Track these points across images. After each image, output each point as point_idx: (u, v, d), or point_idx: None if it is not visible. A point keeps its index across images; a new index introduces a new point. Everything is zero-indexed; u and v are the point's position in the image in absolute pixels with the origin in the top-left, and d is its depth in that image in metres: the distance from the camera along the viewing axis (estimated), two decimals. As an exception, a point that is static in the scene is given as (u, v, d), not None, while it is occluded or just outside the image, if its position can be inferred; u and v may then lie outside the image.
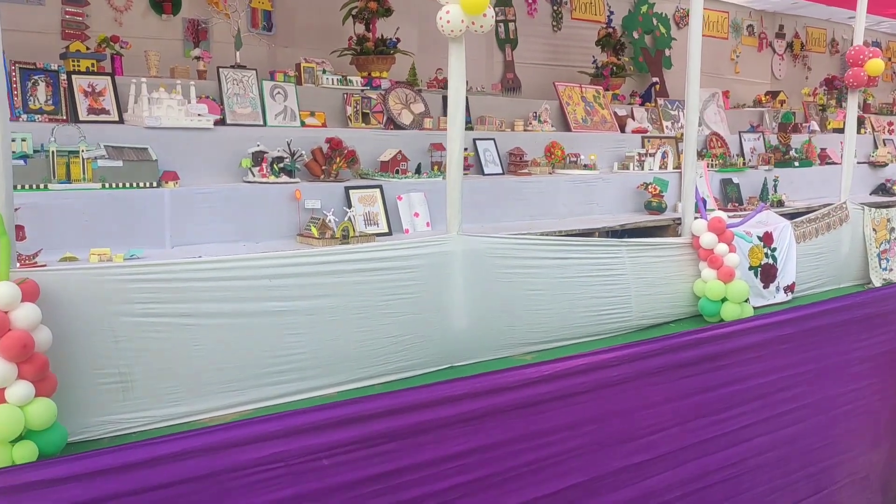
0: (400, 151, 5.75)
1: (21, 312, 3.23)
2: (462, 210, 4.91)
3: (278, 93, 5.76)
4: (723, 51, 10.61)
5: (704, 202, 7.15)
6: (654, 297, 5.97)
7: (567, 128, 7.58)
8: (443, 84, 7.11)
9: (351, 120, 6.08)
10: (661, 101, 8.63)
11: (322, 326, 4.32)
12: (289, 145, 5.21)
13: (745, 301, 6.22)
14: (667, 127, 8.47)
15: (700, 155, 8.08)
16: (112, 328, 3.67)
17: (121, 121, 4.98)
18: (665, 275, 6.06)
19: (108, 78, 5.01)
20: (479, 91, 7.36)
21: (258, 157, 5.04)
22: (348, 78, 6.24)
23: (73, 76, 4.87)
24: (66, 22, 5.43)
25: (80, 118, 4.81)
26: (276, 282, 4.17)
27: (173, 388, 3.86)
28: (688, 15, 9.94)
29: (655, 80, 9.03)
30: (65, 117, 4.75)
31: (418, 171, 5.87)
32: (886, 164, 9.72)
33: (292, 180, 5.13)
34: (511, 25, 8.26)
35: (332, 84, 6.15)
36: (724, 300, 6.13)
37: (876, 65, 7.31)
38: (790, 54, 11.56)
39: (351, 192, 5.21)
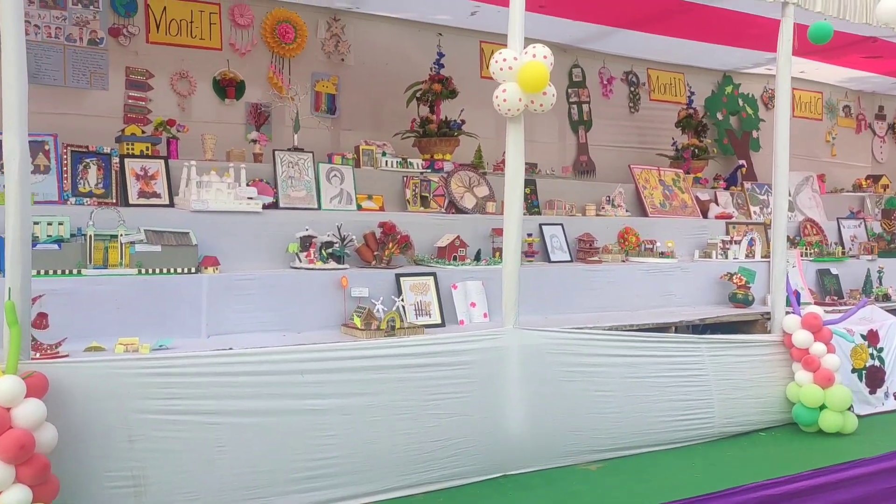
0: (458, 237, 5.43)
1: (23, 409, 2.99)
2: (519, 301, 4.51)
3: (335, 175, 5.58)
4: (817, 132, 9.98)
5: (798, 295, 6.50)
6: (739, 401, 5.33)
7: (643, 213, 7.12)
8: (510, 167, 6.81)
9: (409, 203, 5.83)
10: (747, 185, 8.08)
11: (360, 427, 3.94)
12: (339, 229, 4.97)
13: (849, 409, 5.48)
14: (755, 212, 7.88)
15: (793, 243, 7.45)
16: (127, 426, 3.39)
17: (171, 204, 4.87)
18: (752, 376, 5.43)
19: (162, 161, 4.93)
20: (548, 174, 7.03)
21: (306, 242, 4.81)
22: (408, 160, 6.03)
23: (126, 159, 4.81)
24: (129, 106, 5.46)
25: (131, 201, 4.73)
26: (310, 377, 3.84)
27: (192, 495, 3.52)
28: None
29: (742, 162, 8.49)
30: (114, 200, 4.67)
31: (478, 257, 5.52)
32: None
33: (341, 267, 4.87)
34: (585, 107, 7.97)
35: (392, 166, 5.95)
36: (822, 408, 5.42)
37: None
38: (892, 136, 10.79)
39: (402, 279, 4.89)
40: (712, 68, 8.86)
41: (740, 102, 9.16)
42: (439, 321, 4.93)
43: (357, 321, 4.41)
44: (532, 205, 6.51)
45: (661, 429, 4.96)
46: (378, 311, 4.64)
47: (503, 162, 6.75)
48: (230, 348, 3.84)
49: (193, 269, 4.30)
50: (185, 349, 3.94)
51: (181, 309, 4.24)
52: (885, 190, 9.57)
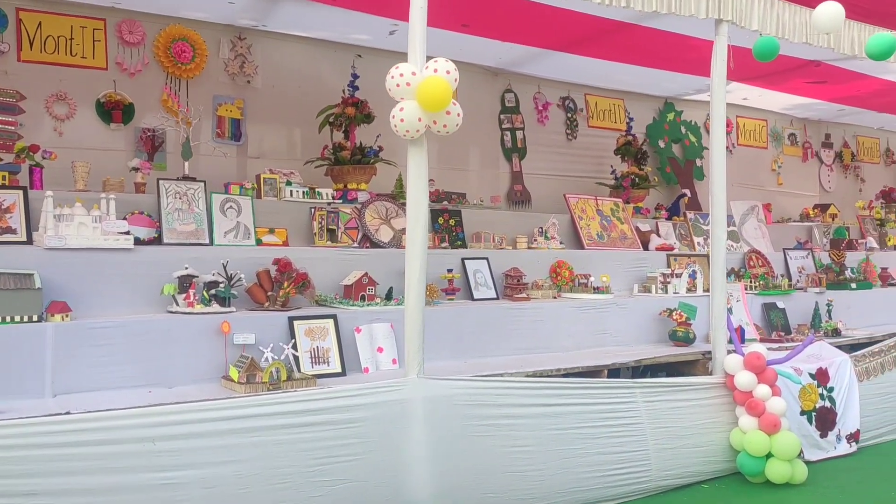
0: (366, 273, 4.88)
1: None
2: (423, 346, 3.97)
3: (230, 207, 5.02)
4: (762, 161, 9.71)
5: (742, 331, 6.07)
6: (679, 450, 4.84)
7: (580, 245, 6.65)
8: (434, 197, 6.33)
9: (317, 237, 5.27)
10: (690, 215, 7.69)
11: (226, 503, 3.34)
12: (224, 267, 4.39)
13: (798, 456, 5.01)
14: (698, 244, 7.48)
15: (737, 275, 7.04)
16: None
17: (30, 241, 4.25)
18: (692, 423, 4.95)
19: (20, 192, 4.32)
20: (476, 204, 6.54)
21: (185, 283, 4.23)
22: (317, 190, 5.49)
23: (-23, 190, 4.20)
24: (-4, 132, 4.84)
25: (-19, 238, 4.10)
26: (164, 444, 3.23)
27: None
28: (720, 123, 9.17)
29: (685, 191, 8.12)
30: (-41, 237, 4.04)
31: (389, 296, 4.97)
32: (963, 284, 8.46)
33: (226, 310, 4.28)
34: (519, 134, 7.53)
35: (298, 197, 5.40)
36: (769, 456, 4.94)
37: (939, 171, 6.28)
38: (840, 165, 10.58)
39: (296, 322, 4.31)
40: (653, 94, 8.52)
41: (683, 130, 8.83)
42: (339, 370, 4.35)
43: (233, 373, 3.81)
44: (457, 237, 6.00)
45: (590, 486, 4.44)
46: (267, 360, 4.05)
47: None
48: (67, 412, 3.21)
49: (36, 317, 3.67)
50: (19, 413, 3.31)
51: (20, 364, 3.60)
52: (833, 219, 9.29)
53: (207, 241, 4.84)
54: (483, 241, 6.05)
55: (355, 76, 6.02)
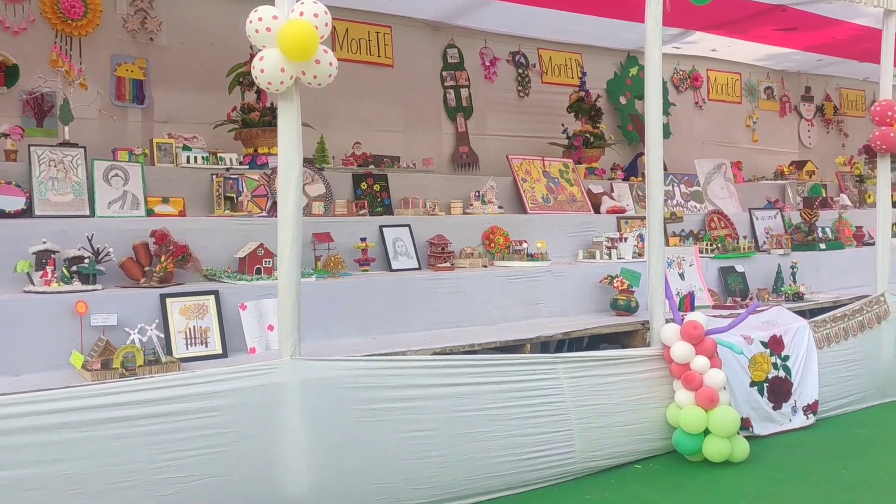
0: (262, 245, 4.46)
1: None
2: (299, 324, 3.57)
3: (116, 175, 4.59)
4: (736, 117, 9.18)
5: (692, 298, 5.63)
6: (607, 429, 4.44)
7: (523, 209, 6.21)
8: (361, 160, 5.89)
9: (215, 206, 4.85)
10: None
11: (55, 506, 2.97)
12: (89, 240, 3.98)
13: (737, 433, 4.61)
14: (657, 205, 6.99)
15: (696, 237, 6.58)
16: None
17: None
18: (624, 399, 4.54)
19: None
20: (407, 168, 6.09)
21: (43, 259, 3.82)
22: (219, 155, 5.05)
23: None
24: None
25: None
26: (-25, 444, 2.86)
27: None
28: (689, 77, 8.66)
29: (642, 152, 7.61)
30: None
31: (289, 269, 4.55)
32: (943, 244, 7.96)
33: (90, 287, 3.88)
34: (464, 92, 7.05)
35: (195, 163, 4.96)
36: (707, 433, 4.54)
37: (909, 122, 5.78)
38: (821, 119, 10.02)
39: (168, 301, 3.91)
40: (614, 48, 7.99)
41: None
42: (219, 351, 3.95)
43: (76, 359, 3.42)
44: (381, 204, 5.57)
45: (505, 471, 4.05)
46: (133, 343, 3.66)
47: (353, 155, 5.85)
48: None
49: None
50: None
51: None
52: (810, 177, 8.78)
53: (88, 213, 4.43)
54: (412, 207, 5.61)
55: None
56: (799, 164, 8.87)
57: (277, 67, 3.35)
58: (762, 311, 5.71)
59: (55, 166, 4.41)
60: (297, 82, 3.50)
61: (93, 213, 4.44)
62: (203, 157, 4.98)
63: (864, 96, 10.52)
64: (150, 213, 4.64)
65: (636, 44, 7.97)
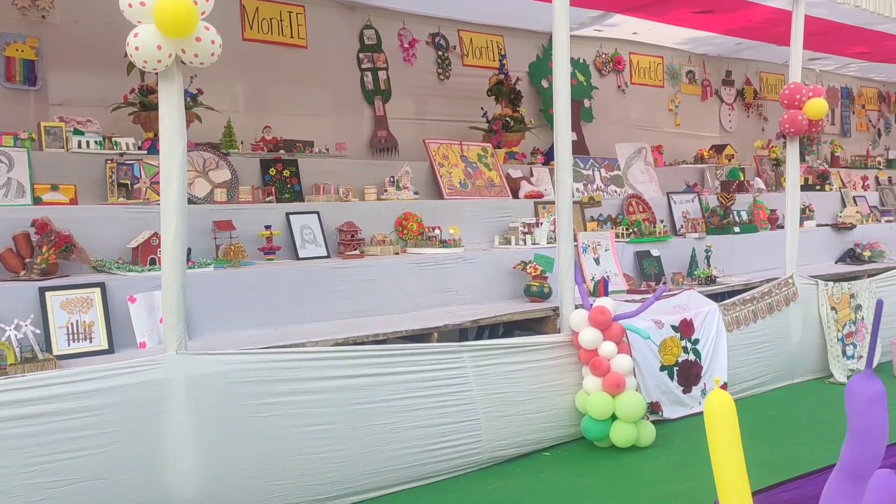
0: (155, 234, 4.26)
1: None
2: (184, 317, 3.44)
3: (-1, 161, 4.33)
4: (659, 100, 9.23)
5: (606, 283, 5.64)
6: (515, 417, 4.42)
7: (440, 195, 6.12)
8: (271, 145, 5.70)
9: (109, 194, 4.63)
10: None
11: None
12: (-40, 232, 3.75)
13: (645, 418, 4.64)
14: (577, 189, 7.00)
15: (614, 222, 6.60)
16: None
17: None
18: (532, 387, 4.53)
19: None
20: (319, 153, 5.93)
21: None
22: (114, 140, 4.81)
23: None
24: None
25: None
26: None
27: None
28: (612, 61, 8.67)
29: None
30: None
31: (186, 257, 4.36)
32: (853, 227, 8.19)
33: (-39, 281, 3.65)
34: (381, 74, 6.90)
35: (88, 148, 4.72)
36: (614, 418, 4.55)
37: (816, 106, 5.88)
38: (742, 103, 10.18)
39: (48, 294, 3.70)
40: (536, 30, 7.91)
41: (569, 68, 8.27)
42: (105, 346, 3.77)
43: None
44: (291, 190, 5.41)
45: (408, 463, 4.00)
46: (8, 339, 3.46)
47: (263, 140, 5.67)
48: None
49: None
50: None
51: None
52: (729, 161, 8.90)
53: (-35, 202, 4.18)
54: (323, 194, 5.47)
55: (165, 8, 5.28)
56: (718, 148, 8.99)
57: (153, 45, 3.17)
58: (673, 294, 5.76)
59: (-73, 152, 4.13)
60: (177, 61, 3.32)
61: (-28, 202, 4.19)
62: (96, 142, 4.74)
63: (783, 80, 10.68)
64: (37, 201, 4.39)
65: (557, 27, 7.92)
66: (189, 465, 3.37)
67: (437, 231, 5.37)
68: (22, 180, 4.38)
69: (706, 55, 9.64)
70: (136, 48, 3.18)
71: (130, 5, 3.17)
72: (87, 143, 4.72)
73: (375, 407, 3.90)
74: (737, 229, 7.12)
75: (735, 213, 7.44)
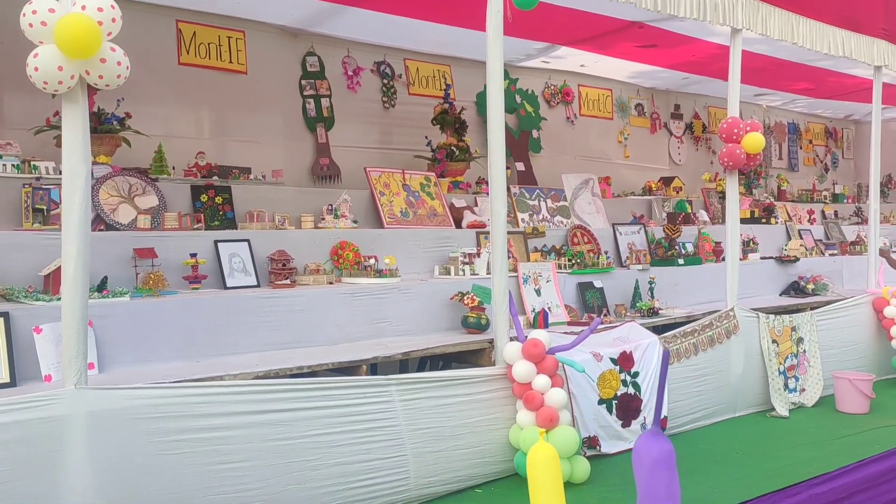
0: (70, 262, 4.08)
1: None
2: (85, 350, 3.25)
3: None
4: (608, 132, 9.30)
5: (546, 315, 5.56)
6: (444, 453, 4.27)
7: (380, 224, 6.01)
8: (205, 171, 5.56)
9: (23, 219, 4.44)
10: (515, 189, 7.15)
11: None
12: None
13: (579, 453, 4.54)
14: (522, 220, 6.95)
15: (558, 253, 6.55)
16: None
17: None
18: (464, 421, 4.38)
19: None
20: (255, 180, 5.79)
21: None
22: (33, 164, 4.64)
23: None
24: None
25: None
26: None
27: None
28: (560, 92, 8.71)
29: (508, 166, 7.56)
30: None
31: (101, 287, 4.20)
32: (797, 259, 8.26)
33: None
34: (325, 101, 6.81)
35: (5, 171, 4.54)
36: (547, 455, 4.42)
37: (754, 140, 5.91)
38: (691, 137, 10.30)
39: (-56, 325, 3.50)
40: (483, 60, 7.84)
41: (518, 99, 8.29)
42: (6, 379, 3.56)
43: None
44: (223, 217, 5.26)
45: (329, 501, 3.82)
46: None
47: (196, 165, 5.53)
48: None
49: None
50: None
51: None
52: (677, 193, 8.96)
53: None
54: (257, 221, 5.33)
55: (93, 30, 5.14)
56: (667, 181, 9.05)
57: (54, 66, 3.03)
58: (614, 327, 5.70)
59: None
60: (81, 83, 3.18)
61: None
62: (14, 166, 4.56)
63: (731, 115, 10.87)
64: (-54, 226, 4.20)
65: (506, 57, 7.91)
66: (87, 509, 3.16)
67: (372, 260, 5.25)
68: (-71, 204, 4.19)
69: (654, 88, 9.75)
70: (36, 69, 3.05)
71: (31, 25, 3.04)
72: (4, 166, 4.53)
73: (295, 443, 3.73)
74: (681, 261, 7.12)
75: (680, 245, 7.45)
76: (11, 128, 5.07)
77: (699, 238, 7.67)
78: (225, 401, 3.56)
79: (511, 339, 4.69)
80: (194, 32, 6.09)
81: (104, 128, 4.97)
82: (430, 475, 4.20)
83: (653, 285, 6.52)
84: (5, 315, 3.66)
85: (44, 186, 4.48)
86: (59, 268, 3.96)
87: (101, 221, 4.72)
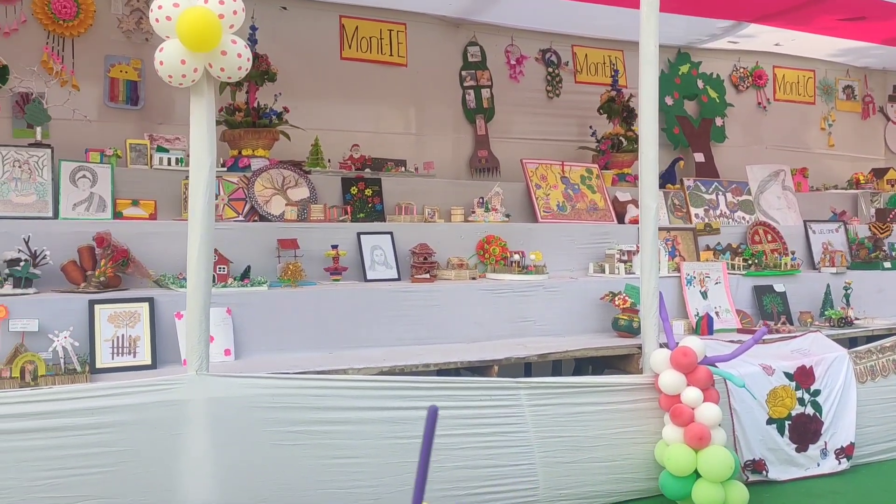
0: (215, 250, 4.23)
1: None
2: (207, 337, 3.34)
3: (83, 176, 4.51)
4: (808, 119, 8.30)
5: (710, 321, 5.04)
6: (580, 465, 3.99)
7: (534, 218, 5.75)
8: (359, 164, 5.62)
9: (183, 210, 4.70)
10: (689, 182, 6.57)
11: None
12: (26, 242, 3.88)
13: (737, 478, 4.03)
14: (696, 215, 6.37)
15: (735, 252, 5.91)
16: None
17: None
18: (602, 432, 4.06)
19: None
20: (405, 172, 5.76)
21: (-18, 261, 3.75)
22: (195, 157, 4.88)
23: None
24: None
25: None
26: None
27: None
28: (751, 75, 7.91)
29: (680, 156, 6.98)
30: None
31: (245, 276, 4.33)
32: None
33: (22, 291, 3.77)
34: (485, 92, 6.65)
35: (169, 165, 4.83)
36: (697, 475, 3.97)
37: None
38: (914, 122, 8.95)
39: (97, 307, 3.75)
40: (661, 44, 7.28)
41: (700, 84, 7.62)
42: (148, 362, 3.76)
43: (-21, 366, 3.30)
44: (372, 209, 5.27)
45: (447, 508, 3.66)
46: (56, 351, 3.53)
47: (351, 158, 5.61)
48: None
49: None
50: None
51: None
52: (892, 186, 7.80)
53: (51, 215, 4.37)
54: (405, 214, 5.29)
55: (254, 28, 5.36)
56: (879, 172, 7.91)
57: (177, 59, 3.12)
58: (794, 337, 5.03)
59: (19, 167, 4.37)
60: (207, 76, 3.25)
61: (56, 215, 4.38)
62: (178, 159, 4.84)
63: (969, 95, 9.32)
64: (118, 215, 4.53)
65: (682, 39, 7.35)
66: (205, 492, 3.24)
67: (516, 256, 5.01)
68: (104, 195, 4.54)
69: (867, 68, 8.57)
70: (161, 62, 3.15)
71: (157, 20, 3.15)
72: (169, 160, 4.83)
73: (413, 442, 3.59)
74: (888, 265, 6.16)
75: (889, 246, 6.46)
76: (181, 124, 5.40)
77: (914, 239, 6.61)
78: (342, 395, 3.52)
79: (661, 346, 4.26)
80: (357, 27, 6.18)
81: (262, 122, 5.16)
82: (561, 487, 3.92)
83: (849, 291, 5.69)
84: (150, 300, 3.87)
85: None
86: (206, 256, 4.12)
87: (254, 212, 4.90)
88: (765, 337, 5.04)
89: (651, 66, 4.27)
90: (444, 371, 4.16)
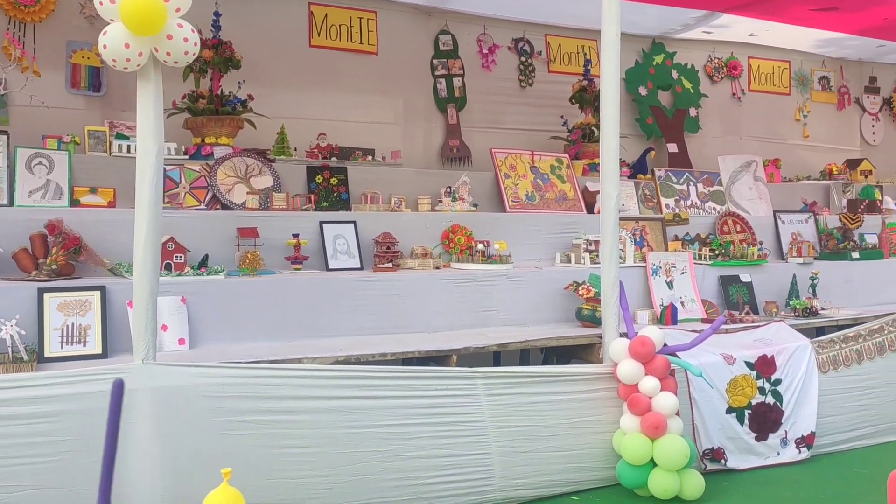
0: (172, 238, 4.21)
1: None
2: (154, 327, 3.30)
3: (39, 163, 4.46)
4: (783, 109, 8.31)
5: (674, 311, 5.04)
6: (537, 455, 3.98)
7: (503, 207, 5.73)
8: (326, 152, 5.58)
9: (143, 198, 4.64)
10: (660, 172, 6.56)
11: None
12: (-24, 231, 3.85)
13: (694, 467, 4.04)
14: (666, 206, 6.37)
15: (703, 242, 5.91)
16: None
17: None
18: (560, 421, 4.06)
19: None
20: (371, 161, 5.72)
21: (-74, 248, 3.70)
22: (156, 145, 4.83)
23: None
24: None
25: None
26: None
27: None
28: (726, 66, 7.91)
29: (651, 147, 6.96)
30: None
31: (202, 264, 4.29)
32: None
33: (-31, 279, 3.74)
34: (456, 81, 6.61)
35: (129, 152, 4.78)
36: (653, 465, 3.98)
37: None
38: (889, 113, 8.97)
39: (46, 295, 3.71)
40: (635, 34, 7.33)
41: (674, 74, 7.61)
42: (98, 351, 3.72)
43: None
44: (338, 199, 5.24)
45: (401, 496, 3.66)
46: (4, 339, 3.49)
47: (318, 146, 5.56)
48: None
49: None
50: None
51: None
52: (866, 177, 7.83)
53: (6, 202, 4.32)
54: (371, 203, 5.26)
55: (218, 14, 5.30)
56: (852, 163, 7.93)
57: (121, 43, 3.07)
58: (757, 327, 5.04)
59: (-27, 154, 4.31)
60: (154, 61, 3.21)
61: (12, 203, 4.32)
62: (135, 147, 4.77)
63: (944, 87, 9.35)
64: (75, 203, 4.48)
65: (656, 29, 7.33)
66: (152, 483, 3.21)
67: (481, 245, 4.99)
68: (61, 182, 4.49)
69: (844, 59, 8.58)
70: (105, 46, 3.10)
71: (101, 3, 3.09)
72: (129, 147, 4.78)
73: (367, 432, 3.60)
74: (855, 255, 6.18)
75: (859, 237, 6.48)
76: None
77: (884, 229, 6.63)
78: (294, 384, 3.50)
79: (622, 335, 4.26)
80: (326, 14, 6.13)
81: (225, 110, 5.11)
82: (518, 477, 3.91)
83: (815, 281, 5.71)
84: (102, 289, 3.82)
85: (165, 166, 4.65)
86: (164, 244, 4.10)
87: (216, 201, 4.86)
88: (728, 326, 5.08)
89: (613, 51, 4.24)
90: (405, 361, 4.13)
